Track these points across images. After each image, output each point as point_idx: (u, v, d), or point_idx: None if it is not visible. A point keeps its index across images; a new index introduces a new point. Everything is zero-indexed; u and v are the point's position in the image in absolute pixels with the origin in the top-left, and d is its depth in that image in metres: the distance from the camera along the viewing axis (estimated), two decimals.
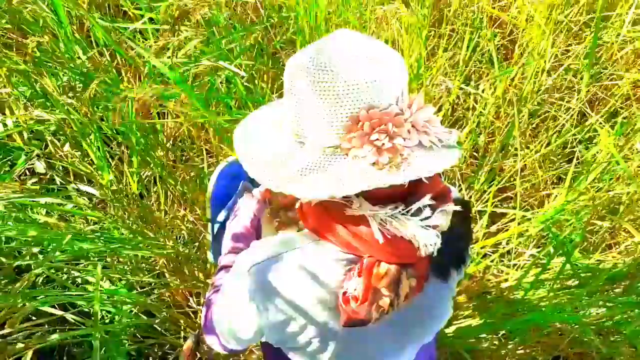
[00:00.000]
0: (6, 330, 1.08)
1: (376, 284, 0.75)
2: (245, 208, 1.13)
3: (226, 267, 1.05)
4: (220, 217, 1.21)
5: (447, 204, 0.78)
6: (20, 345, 1.06)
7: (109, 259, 1.75)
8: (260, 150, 0.80)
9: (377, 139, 0.70)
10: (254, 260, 0.82)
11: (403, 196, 0.76)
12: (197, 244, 1.80)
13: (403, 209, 0.75)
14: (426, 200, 0.75)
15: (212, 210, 1.24)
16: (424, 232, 0.74)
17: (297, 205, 0.85)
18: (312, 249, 0.81)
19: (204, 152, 2.01)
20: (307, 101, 0.72)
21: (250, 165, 0.78)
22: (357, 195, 0.75)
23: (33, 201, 1.24)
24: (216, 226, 1.23)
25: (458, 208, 0.79)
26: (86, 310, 1.67)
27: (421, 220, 0.74)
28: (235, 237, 1.10)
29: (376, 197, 0.74)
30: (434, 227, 0.76)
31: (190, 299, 1.96)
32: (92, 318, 1.64)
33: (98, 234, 1.44)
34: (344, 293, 0.77)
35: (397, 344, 0.91)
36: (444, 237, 0.77)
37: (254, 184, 1.20)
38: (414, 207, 0.75)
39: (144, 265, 1.89)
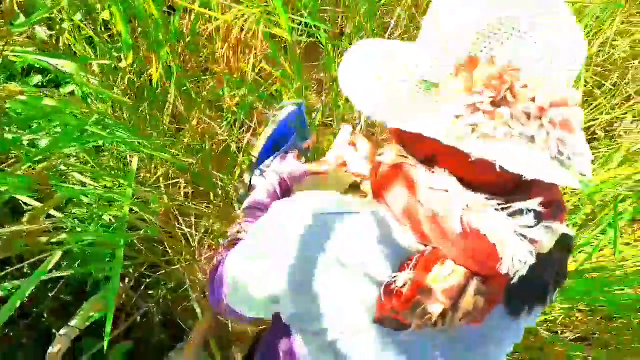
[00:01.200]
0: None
1: (431, 283, 0.58)
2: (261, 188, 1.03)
3: (253, 208, 0.95)
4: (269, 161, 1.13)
5: (558, 220, 0.59)
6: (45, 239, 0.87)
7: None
8: (369, 81, 0.62)
9: (480, 93, 0.52)
10: (300, 213, 0.66)
11: (504, 191, 0.59)
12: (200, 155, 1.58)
13: (500, 204, 0.57)
14: (534, 204, 0.57)
15: (263, 149, 1.13)
16: (516, 241, 0.56)
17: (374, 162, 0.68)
18: (370, 219, 0.64)
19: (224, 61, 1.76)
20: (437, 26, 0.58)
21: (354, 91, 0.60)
22: (442, 166, 0.59)
23: (39, 60, 0.99)
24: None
25: (569, 231, 0.60)
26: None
27: (520, 226, 0.56)
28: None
29: (469, 179, 0.58)
30: (532, 241, 0.57)
31: (180, 219, 1.76)
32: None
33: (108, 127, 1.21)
34: (389, 284, 0.60)
35: None
36: (533, 264, 0.57)
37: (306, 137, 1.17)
38: (516, 205, 0.57)
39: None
